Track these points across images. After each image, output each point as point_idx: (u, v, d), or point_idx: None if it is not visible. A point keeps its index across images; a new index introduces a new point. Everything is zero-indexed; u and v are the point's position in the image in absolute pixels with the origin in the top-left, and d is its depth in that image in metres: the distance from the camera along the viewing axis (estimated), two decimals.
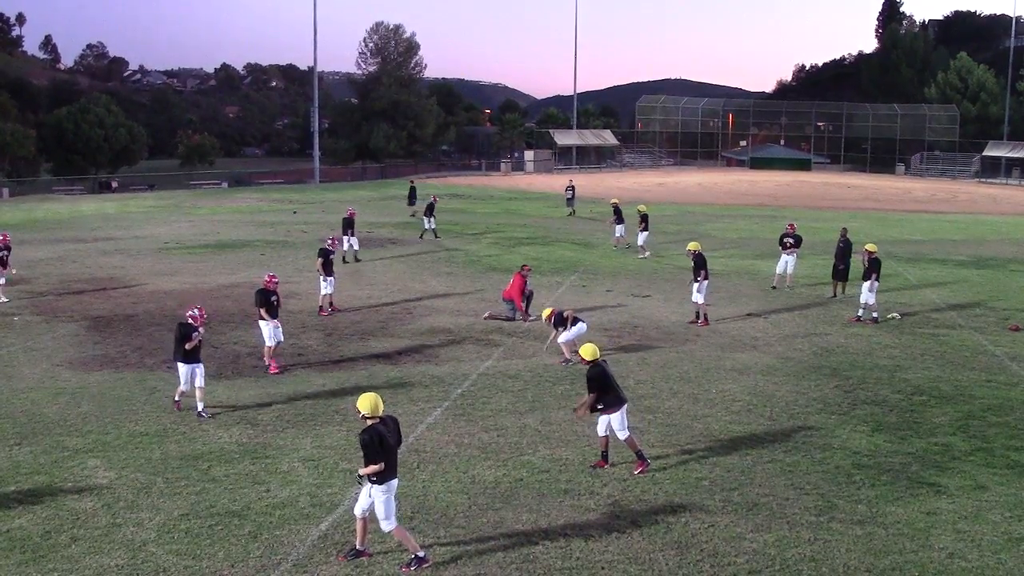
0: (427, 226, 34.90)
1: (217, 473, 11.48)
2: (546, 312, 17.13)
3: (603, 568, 9.11)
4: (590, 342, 12.43)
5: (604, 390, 11.48)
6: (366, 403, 9.27)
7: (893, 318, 21.30)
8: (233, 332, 19.21)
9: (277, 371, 16.15)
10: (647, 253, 30.88)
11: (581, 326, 16.93)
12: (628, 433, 11.60)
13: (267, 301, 16.30)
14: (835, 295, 23.80)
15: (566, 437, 12.89)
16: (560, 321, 16.87)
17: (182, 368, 13.70)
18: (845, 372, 16.58)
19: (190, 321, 13.84)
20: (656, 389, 15.29)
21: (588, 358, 11.62)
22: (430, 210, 35.29)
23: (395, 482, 9.19)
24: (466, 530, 9.93)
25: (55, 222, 42.13)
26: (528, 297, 20.90)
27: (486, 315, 20.91)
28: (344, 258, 28.56)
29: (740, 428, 13.38)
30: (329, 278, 21.18)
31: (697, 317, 20.46)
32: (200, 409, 13.65)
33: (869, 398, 15.01)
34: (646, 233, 31.23)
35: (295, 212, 46.61)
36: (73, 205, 52.01)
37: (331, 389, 15.13)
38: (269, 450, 12.30)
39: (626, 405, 11.73)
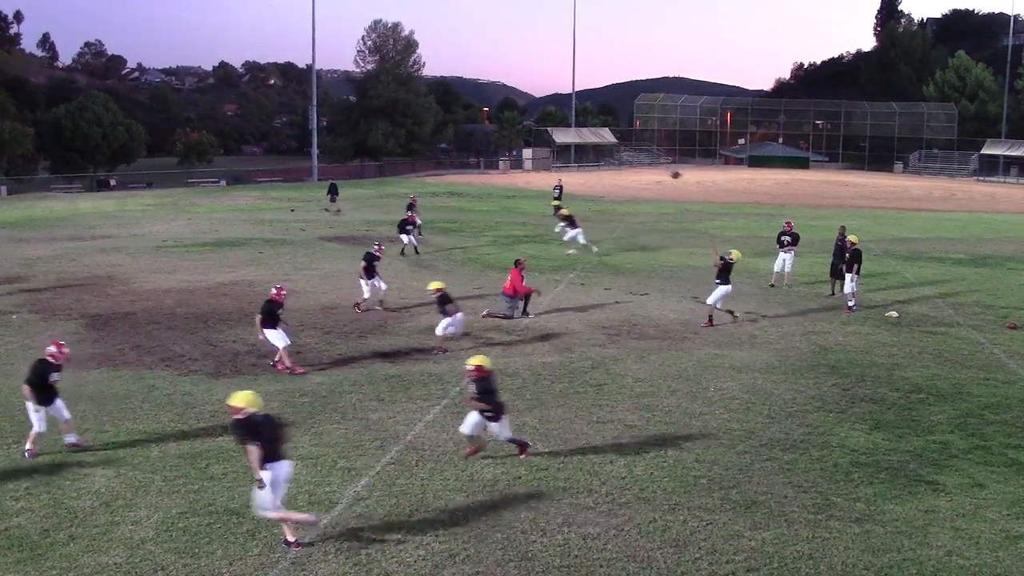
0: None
1: (215, 471, 11.48)
2: (434, 284, 17.90)
3: (601, 566, 9.12)
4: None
5: None
6: (243, 398, 9.59)
7: (891, 316, 21.35)
8: (231, 330, 19.20)
9: (303, 371, 16.07)
10: (587, 249, 31.35)
11: (459, 316, 17.74)
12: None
13: (273, 313, 16.29)
14: (833, 293, 23.82)
15: (564, 435, 12.90)
16: (445, 300, 17.60)
17: (36, 411, 11.82)
18: (843, 370, 16.59)
19: (50, 359, 12.10)
20: (654, 387, 15.30)
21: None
22: (410, 208, 35.28)
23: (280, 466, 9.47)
24: (464, 528, 9.93)
25: (53, 220, 42.10)
26: (528, 294, 20.89)
27: (484, 313, 20.91)
28: (403, 252, 30.53)
29: (738, 426, 13.39)
30: (371, 280, 21.20)
31: (710, 320, 20.21)
32: (74, 440, 12.19)
33: (867, 396, 15.02)
34: (578, 230, 32.04)
35: (293, 210, 46.61)
36: (71, 203, 51.96)
37: (329, 387, 15.12)
38: None
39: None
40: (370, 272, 21.28)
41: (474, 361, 11.87)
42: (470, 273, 27.09)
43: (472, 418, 11.79)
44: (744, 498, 10.79)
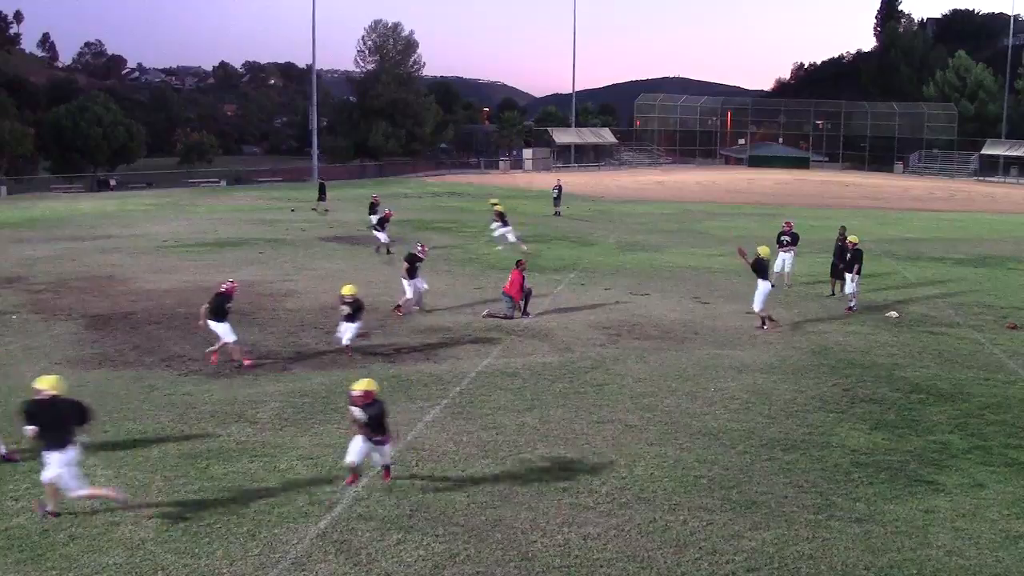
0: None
1: (216, 471, 11.47)
2: (348, 289, 17.31)
3: (601, 566, 9.12)
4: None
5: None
6: (47, 382, 10.11)
7: (892, 316, 21.35)
8: None
9: (250, 363, 16.24)
10: (518, 245, 31.46)
11: (358, 325, 17.31)
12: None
13: (222, 307, 16.29)
14: (833, 293, 23.83)
15: (564, 435, 12.90)
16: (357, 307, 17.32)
17: None
18: (843, 370, 16.59)
19: None
20: (654, 387, 15.30)
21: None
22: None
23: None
24: (464, 528, 9.93)
25: (53, 220, 42.09)
26: (527, 294, 20.89)
27: (484, 313, 20.91)
28: (378, 249, 30.80)
29: (738, 426, 13.39)
30: (414, 281, 21.00)
31: (763, 323, 19.86)
32: (3, 451, 11.87)
33: (867, 396, 15.02)
34: (508, 228, 32.20)
35: (293, 210, 46.57)
36: (71, 203, 51.96)
37: (329, 387, 15.11)
38: (267, 448, 12.30)
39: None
40: (412, 273, 21.12)
41: (361, 385, 10.87)
42: (470, 273, 27.09)
43: (357, 445, 10.85)
44: (744, 498, 10.79)
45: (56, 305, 21.79)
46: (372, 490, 10.94)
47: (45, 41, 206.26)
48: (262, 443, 12.51)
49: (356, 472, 11.11)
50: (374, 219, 35.86)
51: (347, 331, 17.26)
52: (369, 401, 10.80)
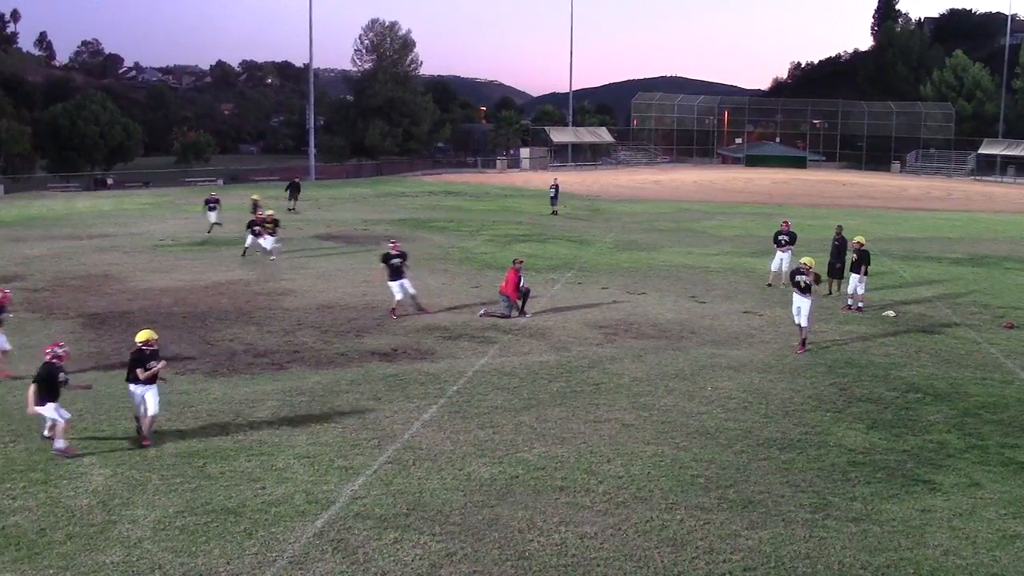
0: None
1: (212, 470, 11.47)
2: (146, 335, 13.36)
3: (598, 565, 9.12)
4: None
5: None
6: None
7: (888, 316, 21.38)
8: (228, 329, 19.19)
9: (10, 374, 15.51)
10: (274, 257, 29.71)
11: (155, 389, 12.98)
12: None
13: None
14: (830, 292, 23.84)
15: (561, 434, 12.90)
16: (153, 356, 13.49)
17: None
18: (840, 369, 16.61)
19: None
20: (651, 386, 15.30)
21: None
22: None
23: None
24: (461, 527, 9.93)
25: (51, 219, 42.04)
26: (525, 294, 20.89)
27: (481, 312, 20.90)
28: (244, 252, 29.51)
29: (735, 425, 13.39)
30: (400, 282, 20.71)
31: (803, 344, 18.01)
32: None
33: (864, 395, 15.03)
34: (273, 238, 29.98)
35: (290, 209, 46.52)
36: (68, 202, 51.90)
37: (327, 386, 15.11)
38: (265, 447, 12.29)
39: None
40: (395, 274, 20.78)
41: None
42: (467, 272, 27.08)
43: None
44: (741, 497, 10.80)
45: (53, 304, 21.76)
46: (370, 489, 10.93)
47: (42, 40, 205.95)
48: (259, 442, 12.50)
49: None
50: (213, 216, 35.48)
51: (149, 399, 12.70)
52: None
